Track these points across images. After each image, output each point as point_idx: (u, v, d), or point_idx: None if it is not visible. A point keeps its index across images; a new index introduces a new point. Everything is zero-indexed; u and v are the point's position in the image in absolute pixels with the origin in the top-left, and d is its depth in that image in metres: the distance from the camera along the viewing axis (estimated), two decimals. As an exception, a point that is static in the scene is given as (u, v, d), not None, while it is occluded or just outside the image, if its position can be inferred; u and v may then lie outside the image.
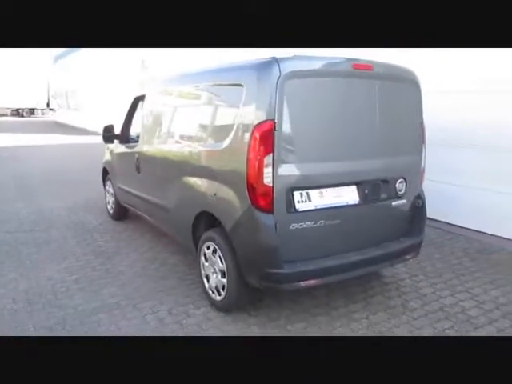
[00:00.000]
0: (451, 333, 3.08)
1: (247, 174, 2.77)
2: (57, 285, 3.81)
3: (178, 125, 3.94)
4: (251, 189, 2.76)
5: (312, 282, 2.94)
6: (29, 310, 3.37)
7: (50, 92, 34.43)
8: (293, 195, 2.82)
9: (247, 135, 2.77)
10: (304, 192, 2.87)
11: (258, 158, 2.69)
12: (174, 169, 3.78)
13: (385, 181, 3.20)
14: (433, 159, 3.98)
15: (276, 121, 2.68)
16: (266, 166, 2.70)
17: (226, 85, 3.20)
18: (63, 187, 7.96)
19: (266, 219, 2.77)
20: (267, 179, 2.72)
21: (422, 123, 3.47)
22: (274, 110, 2.67)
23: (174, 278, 3.94)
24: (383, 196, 3.21)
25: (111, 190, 5.74)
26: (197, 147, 3.43)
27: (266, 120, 2.69)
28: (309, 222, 2.89)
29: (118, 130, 5.34)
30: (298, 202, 2.84)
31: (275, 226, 2.76)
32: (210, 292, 3.36)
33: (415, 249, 3.54)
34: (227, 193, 2.99)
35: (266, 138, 2.68)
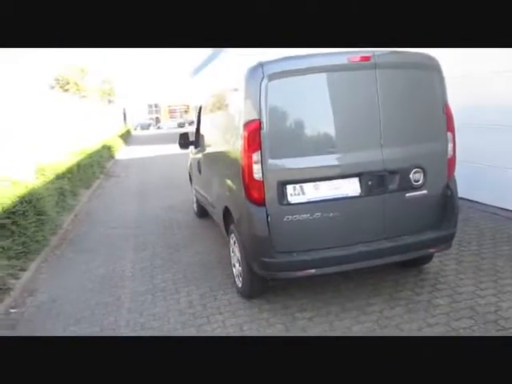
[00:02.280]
0: (466, 333, 2.87)
1: (241, 170, 3.03)
2: (127, 270, 4.55)
3: (213, 131, 4.39)
4: (244, 183, 3.02)
5: (308, 271, 3.05)
6: (98, 288, 4.14)
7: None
8: (285, 188, 2.99)
9: (241, 135, 3.05)
10: (297, 185, 3.00)
11: (248, 155, 2.94)
12: (212, 169, 4.23)
13: (393, 171, 3.11)
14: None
15: (262, 120, 2.89)
16: (255, 162, 2.93)
17: (230, 90, 3.51)
18: (169, 190, 9.04)
19: (258, 211, 2.99)
20: (257, 174, 2.95)
21: (444, 109, 3.25)
22: (259, 109, 2.89)
23: (220, 267, 4.35)
24: (392, 187, 3.13)
25: (193, 191, 6.46)
26: (219, 149, 3.81)
27: (253, 120, 2.92)
28: (304, 215, 3.01)
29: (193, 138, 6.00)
30: (291, 195, 3.00)
31: (267, 217, 2.97)
32: (236, 280, 3.68)
33: (442, 242, 3.34)
34: (234, 188, 3.30)
35: (253, 136, 2.91)
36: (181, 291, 3.90)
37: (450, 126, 3.28)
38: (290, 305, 3.43)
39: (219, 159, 3.86)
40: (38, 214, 5.22)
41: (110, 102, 43.99)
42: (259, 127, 2.90)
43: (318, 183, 3.03)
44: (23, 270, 4.59)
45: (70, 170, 8.46)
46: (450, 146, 3.30)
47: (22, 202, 5.09)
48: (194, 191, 6.46)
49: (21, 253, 4.69)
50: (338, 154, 3.05)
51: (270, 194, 2.97)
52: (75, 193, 8.40)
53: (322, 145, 3.04)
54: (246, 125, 2.97)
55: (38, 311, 3.82)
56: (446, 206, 3.33)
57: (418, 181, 3.19)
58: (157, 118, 61.16)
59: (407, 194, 3.19)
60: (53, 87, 32.06)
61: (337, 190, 3.06)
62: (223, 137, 3.76)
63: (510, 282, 3.52)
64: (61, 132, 11.65)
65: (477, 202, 5.74)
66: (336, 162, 3.05)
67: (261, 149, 2.91)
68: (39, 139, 9.02)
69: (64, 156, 9.64)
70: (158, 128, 50.80)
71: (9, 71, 8.55)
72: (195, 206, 6.59)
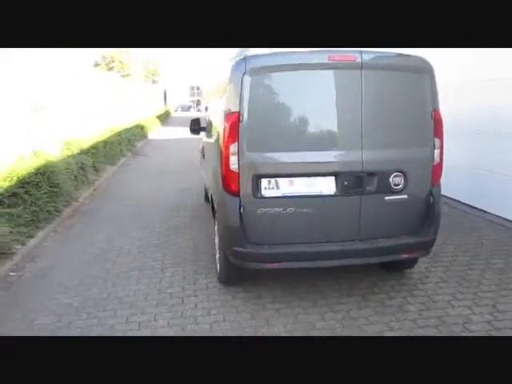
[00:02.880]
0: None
1: (220, 160, 3.12)
2: (124, 247, 4.77)
3: (211, 118, 4.48)
4: (221, 174, 3.11)
5: (277, 264, 3.12)
6: (92, 261, 4.37)
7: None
8: (260, 182, 3.05)
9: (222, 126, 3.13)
10: (272, 180, 3.06)
11: (225, 146, 3.02)
12: (207, 157, 4.35)
13: (372, 173, 3.10)
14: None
15: (241, 112, 2.96)
16: (232, 153, 3.01)
17: (222, 81, 3.58)
18: (188, 173, 9.22)
19: (232, 202, 3.08)
20: (233, 166, 3.02)
21: (433, 114, 3.19)
22: (239, 102, 2.96)
23: (209, 252, 4.47)
24: (370, 189, 3.12)
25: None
26: (212, 137, 3.90)
27: (233, 112, 2.99)
28: (277, 209, 3.07)
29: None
30: (265, 188, 3.06)
31: (240, 208, 3.05)
32: (217, 266, 3.80)
33: (419, 248, 3.31)
34: (214, 177, 3.40)
35: (232, 128, 2.98)
36: (166, 271, 4.06)
37: (438, 131, 3.22)
38: (264, 295, 3.52)
39: (211, 147, 3.96)
40: (51, 186, 5.52)
41: (153, 82, 44.99)
42: (238, 120, 2.96)
43: (293, 179, 3.08)
44: (31, 236, 4.90)
45: (94, 147, 8.81)
46: (437, 152, 3.25)
47: (36, 174, 5.41)
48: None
49: (30, 221, 5.00)
50: (315, 152, 3.08)
51: (245, 186, 3.04)
52: (98, 168, 8.76)
53: (300, 141, 3.07)
54: (226, 116, 3.04)
55: (34, 276, 4.09)
56: (428, 212, 3.29)
57: (397, 185, 3.16)
58: (198, 100, 61.89)
59: (386, 198, 3.17)
60: (98, 64, 33.12)
61: (312, 187, 3.10)
62: (215, 125, 3.85)
63: (490, 296, 3.45)
64: (99, 109, 12.17)
65: (485, 212, 5.58)
66: (312, 160, 3.08)
67: (238, 141, 2.98)
68: (76, 115, 9.48)
69: (95, 133, 10.05)
70: (198, 110, 51.45)
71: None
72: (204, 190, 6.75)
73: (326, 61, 2.99)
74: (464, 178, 5.95)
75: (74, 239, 5.10)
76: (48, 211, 5.38)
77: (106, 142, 9.85)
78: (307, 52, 3.04)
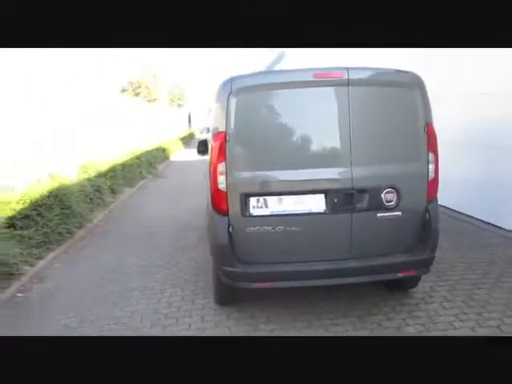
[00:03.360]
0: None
1: (209, 180, 3.15)
2: (129, 268, 4.82)
3: (207, 141, 4.54)
4: (210, 193, 3.13)
5: (267, 284, 3.09)
6: (97, 282, 4.43)
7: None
8: (248, 200, 3.05)
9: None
10: (261, 198, 3.05)
11: (214, 165, 3.05)
12: (205, 177, 4.37)
13: (362, 190, 3.05)
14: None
15: (228, 132, 2.99)
16: (220, 173, 3.03)
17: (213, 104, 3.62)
18: (200, 194, 9.28)
19: (221, 221, 3.08)
20: (221, 185, 3.04)
21: (426, 128, 3.13)
22: (226, 122, 2.99)
23: (210, 272, 4.46)
24: (361, 206, 3.06)
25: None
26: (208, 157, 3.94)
27: (220, 131, 3.03)
28: (266, 227, 3.05)
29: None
30: (254, 207, 3.05)
31: (229, 227, 3.05)
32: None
33: (415, 267, 3.21)
34: (207, 196, 3.41)
35: (220, 147, 3.01)
36: (165, 292, 4.08)
37: (431, 146, 3.15)
38: (258, 316, 3.47)
39: (207, 167, 3.99)
40: (63, 208, 5.67)
41: (179, 106, 46.08)
42: (225, 139, 2.99)
43: (281, 197, 3.06)
44: (41, 258, 5.03)
45: (112, 169, 9.04)
46: (432, 167, 3.17)
47: (49, 196, 5.59)
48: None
49: (41, 242, 5.14)
50: (303, 170, 3.06)
51: (234, 204, 3.05)
52: (116, 191, 8.96)
53: (288, 159, 3.06)
54: (214, 136, 3.08)
55: (40, 297, 4.18)
56: (424, 229, 3.20)
57: (390, 201, 3.09)
58: (223, 122, 63.19)
59: (379, 215, 3.10)
60: (125, 90, 34.26)
61: (301, 205, 3.07)
62: (210, 146, 3.89)
63: (495, 316, 3.30)
64: (124, 133, 12.60)
65: (500, 228, 5.38)
66: (301, 177, 3.06)
67: (226, 160, 3.00)
68: (98, 139, 9.85)
69: (115, 156, 10.35)
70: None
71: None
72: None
73: (312, 78, 2.99)
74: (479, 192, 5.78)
75: (83, 260, 5.19)
76: (59, 233, 5.52)
77: (124, 165, 10.09)
78: (293, 70, 3.07)
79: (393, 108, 3.13)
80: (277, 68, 19.29)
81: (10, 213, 5.09)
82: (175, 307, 3.73)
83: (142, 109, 17.93)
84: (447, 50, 5.58)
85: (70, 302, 3.98)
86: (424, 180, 3.16)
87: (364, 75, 3.09)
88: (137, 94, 34.49)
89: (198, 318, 3.51)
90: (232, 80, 3.02)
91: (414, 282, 3.64)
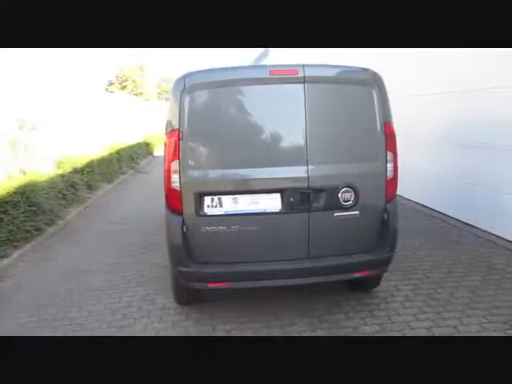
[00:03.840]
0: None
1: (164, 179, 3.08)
2: (95, 266, 4.73)
3: None
4: (165, 192, 3.06)
5: (221, 284, 3.04)
6: (60, 281, 4.34)
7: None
8: (202, 200, 2.99)
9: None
10: (216, 197, 2.99)
11: (167, 164, 2.98)
12: None
13: (318, 189, 3.01)
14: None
15: (181, 130, 2.92)
16: (174, 171, 2.96)
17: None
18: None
19: (175, 220, 3.02)
20: (175, 184, 2.97)
21: (384, 127, 3.09)
22: (179, 120, 2.92)
23: (177, 271, 4.41)
24: (317, 206, 3.02)
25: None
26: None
27: (173, 129, 2.96)
28: (221, 227, 3.00)
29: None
30: (208, 206, 2.99)
31: (183, 227, 2.99)
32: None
33: (372, 267, 3.18)
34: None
35: (173, 146, 2.94)
36: (128, 291, 4.01)
37: (390, 144, 3.11)
38: (217, 316, 3.42)
39: None
40: (30, 205, 5.56)
41: (167, 99, 45.71)
42: (178, 137, 2.92)
43: (236, 196, 3.00)
44: (6, 256, 4.92)
45: (89, 165, 8.90)
46: (390, 166, 3.13)
47: (16, 193, 5.46)
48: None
49: (6, 240, 5.03)
50: (258, 169, 3.00)
51: (188, 204, 2.99)
52: (92, 186, 8.83)
53: (243, 158, 3.00)
54: (167, 134, 3.01)
55: (0, 296, 4.09)
56: (382, 229, 3.17)
57: (347, 201, 3.05)
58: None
59: (336, 214, 3.06)
60: (112, 83, 33.89)
61: (256, 204, 3.01)
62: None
63: (454, 316, 3.29)
64: (108, 128, 12.43)
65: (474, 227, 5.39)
66: (256, 176, 3.00)
67: (179, 159, 2.94)
68: (76, 133, 9.70)
69: (95, 150, 10.19)
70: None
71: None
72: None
73: (268, 75, 2.93)
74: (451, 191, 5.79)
75: (49, 259, 5.09)
76: (26, 230, 5.40)
77: (103, 160, 9.94)
78: (248, 67, 3.02)
79: (350, 106, 3.08)
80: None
81: (-27, 210, 4.98)
82: (135, 307, 3.67)
83: (128, 103, 17.70)
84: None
85: (30, 301, 3.89)
86: (382, 179, 3.13)
87: (320, 73, 3.04)
88: (123, 88, 34.14)
89: (156, 318, 3.45)
90: (185, 76, 2.95)
91: (375, 281, 3.61)
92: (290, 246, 3.08)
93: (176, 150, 2.94)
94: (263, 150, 3.01)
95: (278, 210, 3.01)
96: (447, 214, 5.90)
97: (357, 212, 3.08)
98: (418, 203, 6.68)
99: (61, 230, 6.30)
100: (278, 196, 3.01)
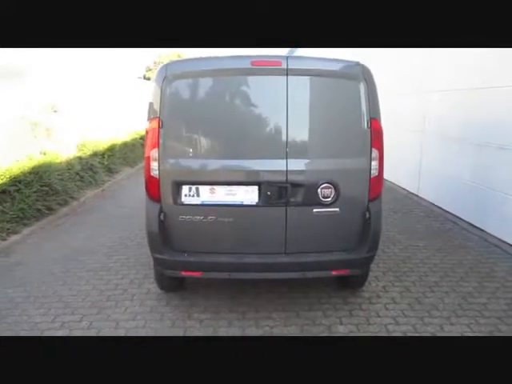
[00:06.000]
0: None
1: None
2: (96, 247, 4.87)
3: None
4: (145, 179, 3.10)
5: (194, 273, 3.06)
6: (60, 260, 4.50)
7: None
8: (180, 188, 3.00)
9: None
10: (193, 187, 3.00)
11: (147, 151, 3.01)
12: None
13: (297, 184, 2.95)
14: None
15: (161, 118, 2.93)
16: (153, 159, 2.98)
17: None
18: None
19: (153, 207, 3.05)
20: (154, 172, 3.00)
21: (370, 123, 2.98)
22: (159, 108, 2.93)
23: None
24: (295, 201, 2.97)
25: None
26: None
27: (154, 117, 2.97)
28: (198, 217, 3.01)
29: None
30: (186, 195, 3.00)
31: (159, 214, 3.02)
32: (162, 271, 3.77)
33: (350, 266, 3.11)
34: None
35: (153, 133, 2.96)
36: (120, 273, 4.11)
37: (375, 141, 3.01)
38: (198, 304, 3.45)
39: None
40: (42, 185, 5.77)
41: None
42: (159, 125, 2.94)
43: (214, 187, 2.99)
44: (15, 233, 5.15)
45: (110, 148, 9.13)
46: (375, 163, 3.03)
47: (30, 173, 5.69)
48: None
49: (16, 217, 5.25)
50: (236, 160, 2.98)
51: (166, 192, 3.01)
52: (112, 170, 9.06)
53: (221, 149, 2.99)
54: (148, 122, 3.03)
55: (0, 271, 4.29)
56: (363, 228, 3.08)
57: (327, 197, 2.98)
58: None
59: (315, 210, 3.00)
60: (150, 69, 34.41)
61: (233, 196, 2.99)
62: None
63: (436, 322, 3.18)
64: (137, 113, 12.76)
65: (482, 230, 5.16)
66: (234, 168, 2.98)
67: (159, 147, 2.95)
68: (111, 119, 10.03)
69: (118, 135, 10.45)
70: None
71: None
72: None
73: (249, 66, 2.88)
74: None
75: (55, 238, 5.28)
76: (38, 209, 5.62)
77: (125, 145, 10.17)
78: (230, 57, 2.96)
79: (335, 100, 2.99)
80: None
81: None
82: (121, 289, 3.76)
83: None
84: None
85: (26, 277, 4.05)
86: (366, 177, 3.03)
87: (305, 65, 2.95)
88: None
89: (137, 302, 3.52)
90: (167, 65, 2.95)
91: (360, 281, 3.54)
92: (267, 239, 3.05)
93: (156, 138, 2.96)
94: (242, 142, 2.98)
95: (254, 203, 2.98)
96: (460, 216, 5.67)
97: (337, 209, 3.01)
98: (433, 204, 6.45)
99: (73, 211, 6.51)
100: (255, 189, 2.98)
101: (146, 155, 3.03)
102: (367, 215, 3.06)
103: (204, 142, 3.01)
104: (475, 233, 5.15)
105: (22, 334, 3.06)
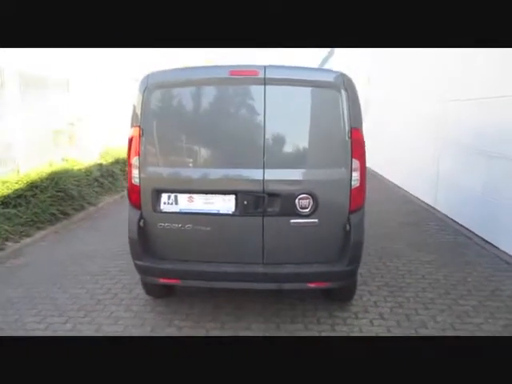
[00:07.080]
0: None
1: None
2: (102, 252, 5.00)
3: None
4: (127, 186, 3.17)
5: (172, 281, 3.09)
6: (65, 264, 4.64)
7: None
8: (160, 196, 3.05)
9: None
10: (172, 195, 3.03)
11: (129, 159, 3.08)
12: None
13: (273, 194, 2.92)
14: None
15: (142, 127, 3.00)
16: (134, 167, 3.05)
17: None
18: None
19: (134, 214, 3.12)
20: (135, 179, 3.06)
21: (351, 133, 2.92)
22: (140, 117, 3.00)
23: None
24: (272, 211, 2.94)
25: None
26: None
27: (135, 126, 3.04)
28: (176, 224, 3.04)
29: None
30: (165, 203, 3.04)
31: (139, 221, 3.07)
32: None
33: (329, 280, 3.04)
34: None
35: (134, 142, 3.03)
36: (115, 278, 4.19)
37: (356, 151, 2.94)
38: (181, 312, 3.47)
39: None
40: (58, 191, 6.01)
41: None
42: (139, 133, 3.00)
43: (192, 195, 3.02)
44: (27, 236, 5.38)
45: (133, 156, 9.39)
46: (356, 174, 2.96)
47: (47, 179, 5.95)
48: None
49: (30, 221, 5.49)
50: (215, 169, 3.00)
51: (146, 199, 3.06)
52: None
53: (199, 158, 3.02)
54: (130, 130, 3.10)
55: (4, 272, 4.48)
56: (343, 241, 3.00)
57: (305, 208, 2.94)
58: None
59: (292, 221, 2.96)
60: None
61: (211, 204, 3.01)
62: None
63: (420, 341, 3.02)
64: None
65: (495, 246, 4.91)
66: (212, 177, 3.00)
67: (140, 155, 3.02)
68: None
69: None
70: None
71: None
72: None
73: (227, 76, 2.90)
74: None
75: (66, 242, 5.47)
76: (52, 214, 5.85)
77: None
78: (209, 67, 3.01)
79: (314, 110, 2.96)
80: (327, 66, 19.00)
81: (5, 192, 5.50)
82: (112, 294, 3.83)
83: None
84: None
85: (26, 278, 4.22)
86: (346, 188, 2.96)
87: (283, 74, 2.94)
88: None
89: (124, 307, 3.58)
90: (148, 76, 3.02)
91: (346, 294, 3.44)
92: (245, 249, 3.04)
93: (137, 146, 3.02)
94: (220, 151, 3.00)
95: (231, 212, 2.98)
96: (472, 230, 5.42)
97: (315, 220, 2.96)
98: (447, 216, 6.21)
99: (89, 216, 6.72)
100: (232, 198, 2.98)
101: (128, 163, 3.10)
102: (347, 227, 2.99)
103: (183, 150, 3.05)
104: (489, 249, 4.90)
105: (8, 333, 3.17)
